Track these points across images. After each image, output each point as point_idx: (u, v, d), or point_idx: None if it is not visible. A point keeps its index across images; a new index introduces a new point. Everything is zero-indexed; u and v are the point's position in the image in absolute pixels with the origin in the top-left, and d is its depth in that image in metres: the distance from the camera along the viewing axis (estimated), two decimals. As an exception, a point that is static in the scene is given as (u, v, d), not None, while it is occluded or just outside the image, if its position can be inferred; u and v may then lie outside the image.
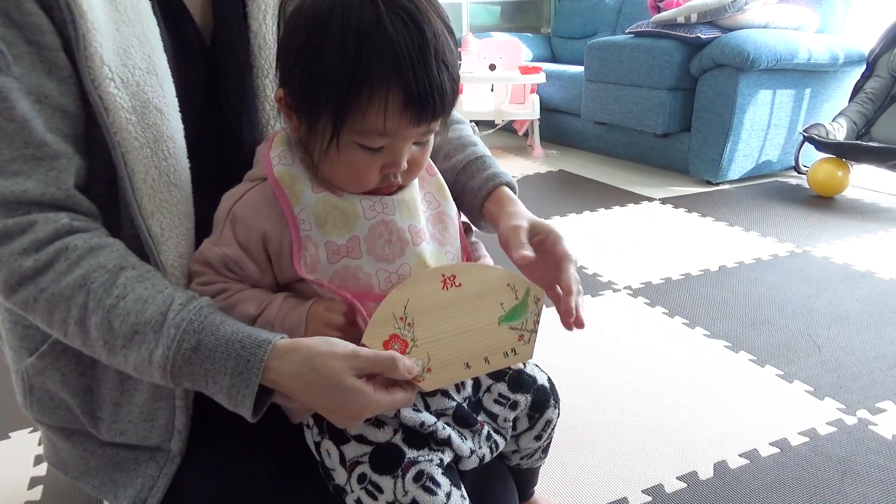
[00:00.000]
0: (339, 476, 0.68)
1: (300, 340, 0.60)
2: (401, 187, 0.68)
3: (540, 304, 0.68)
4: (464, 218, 0.82)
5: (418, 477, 0.65)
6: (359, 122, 0.59)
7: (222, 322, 0.61)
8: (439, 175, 0.75)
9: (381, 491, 0.65)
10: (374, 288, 0.65)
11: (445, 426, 0.70)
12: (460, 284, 0.64)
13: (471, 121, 4.13)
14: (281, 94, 0.64)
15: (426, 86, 0.58)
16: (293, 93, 0.63)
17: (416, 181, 0.71)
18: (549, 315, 0.69)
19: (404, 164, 0.64)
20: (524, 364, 0.81)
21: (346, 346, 0.59)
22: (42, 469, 1.15)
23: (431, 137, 0.66)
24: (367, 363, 0.59)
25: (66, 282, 0.59)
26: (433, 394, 0.71)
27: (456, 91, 0.62)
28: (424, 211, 0.70)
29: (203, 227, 0.70)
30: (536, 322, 0.67)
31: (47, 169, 0.60)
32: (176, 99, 0.67)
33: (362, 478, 0.66)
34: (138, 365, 0.60)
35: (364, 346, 0.60)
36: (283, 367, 0.59)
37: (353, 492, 0.66)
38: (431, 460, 0.67)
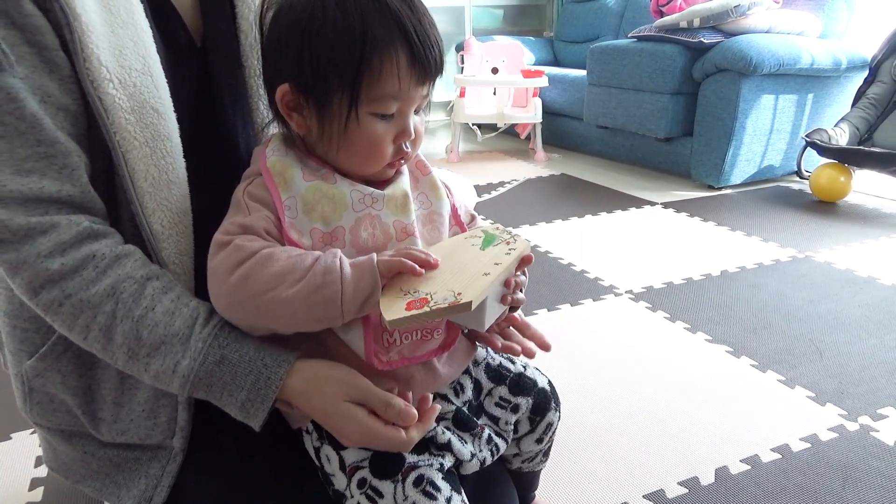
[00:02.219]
0: (339, 481, 0.68)
1: (310, 361, 0.63)
2: (392, 178, 0.70)
3: (501, 228, 0.72)
4: (469, 210, 0.82)
5: (418, 481, 0.65)
6: (374, 88, 0.62)
7: (244, 336, 0.63)
8: (433, 174, 0.75)
9: (381, 496, 0.65)
10: None
11: (445, 430, 0.70)
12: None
13: (473, 124, 4.04)
14: (287, 89, 0.65)
15: (427, 42, 0.63)
16: (302, 81, 0.64)
17: (407, 179, 0.71)
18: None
19: (412, 132, 0.67)
20: (524, 367, 0.82)
21: (347, 373, 0.62)
22: (43, 471, 1.15)
23: (424, 106, 0.70)
24: (361, 394, 0.61)
25: (95, 290, 0.61)
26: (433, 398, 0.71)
27: (443, 50, 0.67)
28: (416, 209, 0.71)
29: (200, 227, 0.70)
30: (510, 233, 0.70)
31: (60, 166, 0.61)
32: (171, 99, 0.68)
33: (362, 483, 0.66)
34: (160, 373, 0.62)
35: (387, 321, 0.57)
36: (293, 385, 0.62)
37: (352, 497, 0.66)
38: (432, 465, 0.67)
